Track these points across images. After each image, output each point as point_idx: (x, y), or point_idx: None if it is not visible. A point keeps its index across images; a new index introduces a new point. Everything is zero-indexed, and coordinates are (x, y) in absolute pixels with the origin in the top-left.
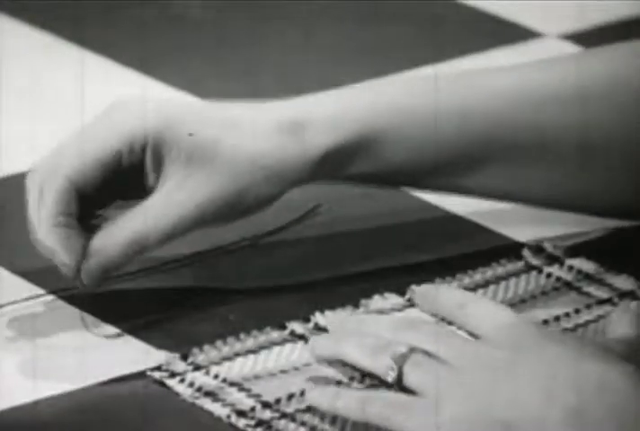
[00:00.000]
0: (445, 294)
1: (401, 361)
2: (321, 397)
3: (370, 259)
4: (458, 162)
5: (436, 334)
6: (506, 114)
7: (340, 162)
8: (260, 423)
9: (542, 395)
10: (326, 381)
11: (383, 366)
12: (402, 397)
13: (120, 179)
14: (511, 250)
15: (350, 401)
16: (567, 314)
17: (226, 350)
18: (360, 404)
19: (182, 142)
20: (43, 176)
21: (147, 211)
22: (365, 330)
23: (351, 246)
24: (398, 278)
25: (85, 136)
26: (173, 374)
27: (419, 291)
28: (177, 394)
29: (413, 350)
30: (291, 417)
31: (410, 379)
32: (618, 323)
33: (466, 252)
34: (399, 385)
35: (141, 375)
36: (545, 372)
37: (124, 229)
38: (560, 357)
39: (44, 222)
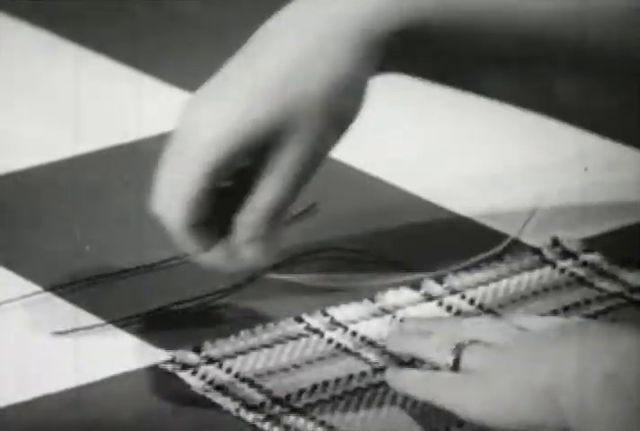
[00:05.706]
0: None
1: (460, 349)
2: (395, 376)
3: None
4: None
5: (488, 326)
6: (550, 16)
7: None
8: (268, 417)
9: (579, 363)
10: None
11: (444, 356)
12: (457, 376)
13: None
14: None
15: (414, 380)
16: (577, 305)
17: (240, 344)
18: (424, 382)
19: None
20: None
21: None
22: (434, 329)
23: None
24: (411, 273)
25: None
26: (185, 367)
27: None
28: (180, 390)
29: (472, 341)
30: (301, 412)
31: (466, 361)
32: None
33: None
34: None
35: (138, 373)
36: (577, 345)
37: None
38: (590, 330)
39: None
